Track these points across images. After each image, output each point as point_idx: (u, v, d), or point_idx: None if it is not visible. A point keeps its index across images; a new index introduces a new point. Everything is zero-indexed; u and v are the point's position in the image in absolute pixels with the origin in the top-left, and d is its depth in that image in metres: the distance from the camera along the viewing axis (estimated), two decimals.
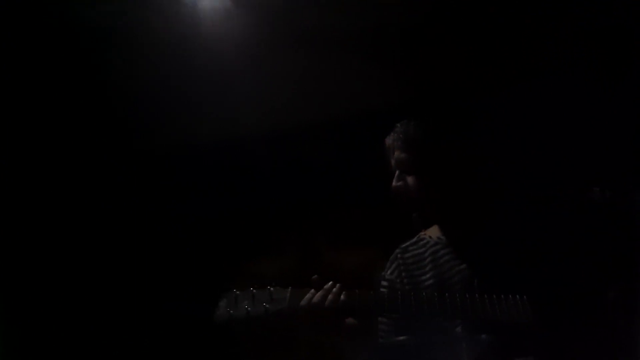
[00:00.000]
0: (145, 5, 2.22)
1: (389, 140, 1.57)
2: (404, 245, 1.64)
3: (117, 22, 2.26)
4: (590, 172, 2.02)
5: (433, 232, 1.60)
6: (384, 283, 1.61)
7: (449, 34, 2.43)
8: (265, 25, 2.31)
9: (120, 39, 2.34)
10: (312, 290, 1.42)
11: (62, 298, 2.74)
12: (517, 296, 1.34)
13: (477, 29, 2.40)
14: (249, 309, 1.41)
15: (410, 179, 1.50)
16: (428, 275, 1.52)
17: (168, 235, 2.78)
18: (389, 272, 1.62)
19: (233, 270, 2.58)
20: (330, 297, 1.39)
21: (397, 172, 1.53)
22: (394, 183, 1.53)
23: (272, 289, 1.44)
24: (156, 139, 2.88)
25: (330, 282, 1.43)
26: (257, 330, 1.80)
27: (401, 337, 1.51)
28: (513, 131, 2.27)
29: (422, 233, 1.63)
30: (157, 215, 2.81)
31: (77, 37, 2.35)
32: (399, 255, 1.62)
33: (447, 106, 1.55)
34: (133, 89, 2.56)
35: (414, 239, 1.64)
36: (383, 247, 1.72)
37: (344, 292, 1.40)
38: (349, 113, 2.70)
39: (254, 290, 1.44)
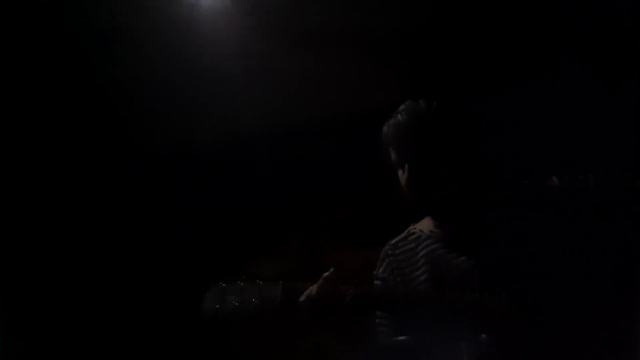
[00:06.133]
0: (145, 5, 2.22)
1: (394, 129, 1.47)
2: (393, 242, 1.58)
3: (116, 22, 2.26)
4: (591, 171, 2.01)
5: (423, 226, 1.54)
6: (377, 282, 1.57)
7: (449, 33, 2.43)
8: (265, 25, 2.31)
9: (119, 38, 2.34)
10: (311, 287, 1.38)
11: (62, 297, 2.74)
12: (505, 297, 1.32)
13: (478, 29, 2.40)
14: (237, 304, 1.34)
15: (424, 170, 1.42)
16: (421, 271, 1.47)
17: (168, 234, 2.78)
18: (380, 270, 1.57)
19: (232, 269, 2.57)
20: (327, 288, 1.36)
21: (407, 166, 1.43)
22: (408, 178, 1.43)
23: (261, 282, 1.36)
24: (156, 139, 2.88)
25: (330, 271, 1.40)
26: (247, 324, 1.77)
27: (401, 337, 1.50)
28: (511, 129, 2.27)
29: (412, 227, 1.57)
30: (157, 215, 2.81)
31: (77, 36, 2.35)
32: (389, 252, 1.56)
33: (446, 103, 1.51)
34: (133, 88, 2.56)
35: (404, 234, 1.57)
36: (380, 246, 1.69)
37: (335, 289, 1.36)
38: (349, 113, 2.70)
39: (242, 284, 1.37)
